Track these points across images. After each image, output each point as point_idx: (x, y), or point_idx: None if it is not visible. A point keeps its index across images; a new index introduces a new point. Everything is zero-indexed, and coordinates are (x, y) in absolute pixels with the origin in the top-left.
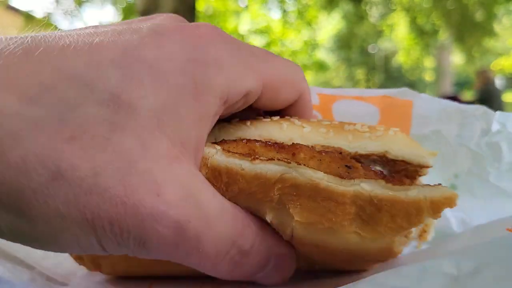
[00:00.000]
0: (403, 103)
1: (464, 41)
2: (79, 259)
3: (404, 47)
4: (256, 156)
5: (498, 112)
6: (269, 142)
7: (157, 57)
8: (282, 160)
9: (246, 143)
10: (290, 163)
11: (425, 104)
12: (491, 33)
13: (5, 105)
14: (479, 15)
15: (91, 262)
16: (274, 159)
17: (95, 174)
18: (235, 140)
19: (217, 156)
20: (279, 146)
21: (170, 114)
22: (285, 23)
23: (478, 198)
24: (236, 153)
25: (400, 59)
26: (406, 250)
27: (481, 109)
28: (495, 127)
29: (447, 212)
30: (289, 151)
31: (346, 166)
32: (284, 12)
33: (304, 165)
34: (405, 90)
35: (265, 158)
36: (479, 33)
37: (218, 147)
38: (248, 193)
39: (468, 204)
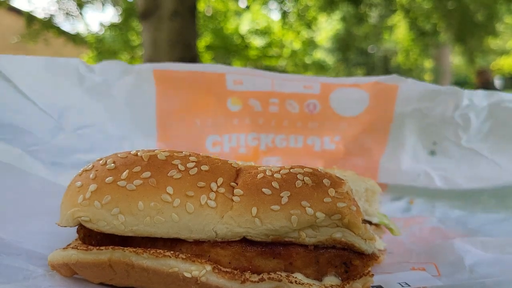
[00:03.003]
0: (391, 87)
1: (465, 41)
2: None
3: (404, 48)
4: (246, 278)
5: (466, 90)
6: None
7: None
8: (272, 278)
9: (242, 252)
10: (281, 280)
11: (409, 87)
12: (492, 32)
13: None
14: (480, 15)
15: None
16: (264, 279)
17: None
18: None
19: (207, 275)
20: (275, 253)
21: None
22: (285, 24)
23: (453, 159)
24: (227, 272)
25: (399, 60)
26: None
27: (453, 88)
28: (464, 102)
29: (430, 171)
30: (285, 259)
31: (344, 264)
32: (284, 13)
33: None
34: (394, 76)
35: (256, 279)
36: (480, 33)
37: (208, 267)
38: None
39: (446, 164)
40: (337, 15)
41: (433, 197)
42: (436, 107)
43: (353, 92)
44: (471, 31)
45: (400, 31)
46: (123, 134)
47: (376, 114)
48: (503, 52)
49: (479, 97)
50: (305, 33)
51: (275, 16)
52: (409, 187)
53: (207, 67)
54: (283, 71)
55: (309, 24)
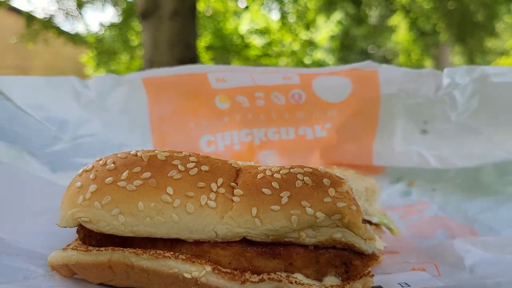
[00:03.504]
0: (370, 73)
1: (465, 41)
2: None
3: (405, 48)
4: (246, 278)
5: (446, 69)
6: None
7: None
8: (272, 279)
9: (242, 252)
10: (281, 281)
11: (389, 71)
12: (492, 33)
13: None
14: (480, 15)
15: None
16: (264, 279)
17: None
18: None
19: (207, 275)
20: (275, 253)
21: None
22: (284, 25)
23: (446, 137)
24: (227, 272)
25: (400, 61)
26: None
27: (431, 70)
28: (445, 81)
29: (424, 152)
30: (286, 259)
31: (344, 264)
32: (283, 14)
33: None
34: (369, 63)
35: (255, 279)
36: (480, 33)
37: (208, 268)
38: None
39: (439, 143)
40: (336, 16)
41: (433, 179)
42: (420, 88)
43: (335, 79)
44: (470, 31)
45: (400, 32)
46: (120, 142)
47: (362, 97)
48: (503, 53)
49: (461, 73)
50: (304, 34)
51: (275, 16)
52: (407, 169)
53: (189, 68)
54: None
55: (308, 26)
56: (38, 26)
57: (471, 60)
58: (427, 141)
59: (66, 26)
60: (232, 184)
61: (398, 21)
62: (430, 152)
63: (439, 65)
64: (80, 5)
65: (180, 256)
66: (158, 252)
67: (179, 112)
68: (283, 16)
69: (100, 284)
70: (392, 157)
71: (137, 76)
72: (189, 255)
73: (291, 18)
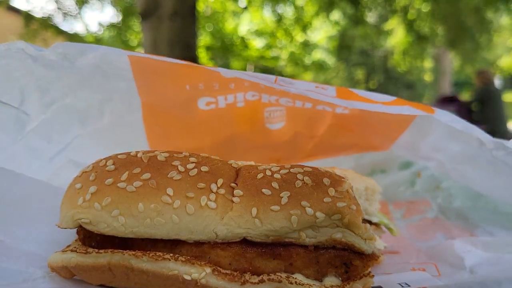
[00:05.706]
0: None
1: (459, 47)
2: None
3: (400, 50)
4: (246, 279)
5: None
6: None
7: None
8: (272, 279)
9: (242, 253)
10: (281, 281)
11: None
12: (487, 38)
13: None
14: (474, 21)
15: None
16: (264, 280)
17: None
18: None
19: (207, 277)
20: (275, 253)
21: None
22: (280, 28)
23: (479, 164)
24: (226, 274)
25: (395, 60)
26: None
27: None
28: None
29: (447, 163)
30: (286, 260)
31: (344, 264)
32: (280, 16)
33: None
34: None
35: (255, 280)
36: (473, 41)
37: (208, 270)
38: None
39: (468, 165)
40: (335, 16)
41: (439, 176)
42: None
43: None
44: (463, 36)
45: (398, 34)
46: (102, 98)
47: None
48: (502, 53)
49: None
50: (301, 36)
51: (273, 17)
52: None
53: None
54: (282, 71)
55: (305, 27)
56: (37, 26)
57: (467, 63)
58: (456, 158)
59: (65, 26)
60: (232, 184)
61: (397, 23)
62: (453, 165)
63: (439, 65)
64: (79, 4)
65: (180, 257)
66: (157, 254)
67: (172, 71)
68: (280, 18)
69: (100, 285)
70: (412, 153)
71: (120, 51)
72: (188, 257)
73: (289, 20)
